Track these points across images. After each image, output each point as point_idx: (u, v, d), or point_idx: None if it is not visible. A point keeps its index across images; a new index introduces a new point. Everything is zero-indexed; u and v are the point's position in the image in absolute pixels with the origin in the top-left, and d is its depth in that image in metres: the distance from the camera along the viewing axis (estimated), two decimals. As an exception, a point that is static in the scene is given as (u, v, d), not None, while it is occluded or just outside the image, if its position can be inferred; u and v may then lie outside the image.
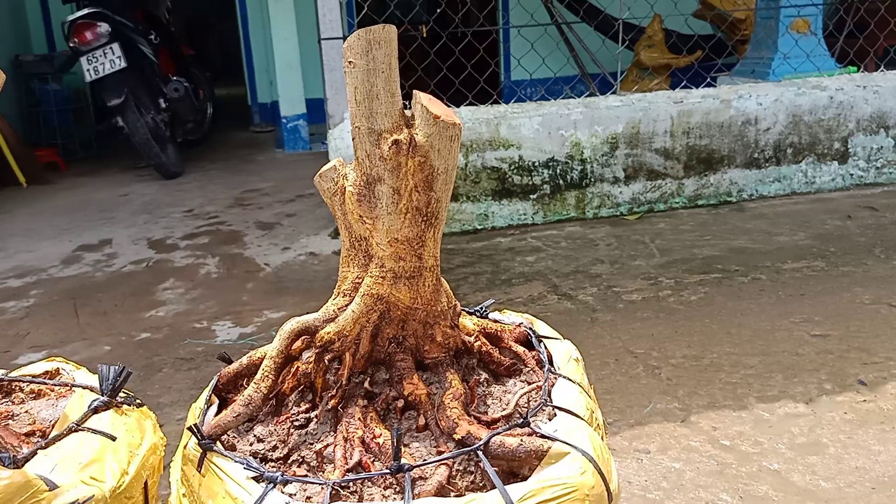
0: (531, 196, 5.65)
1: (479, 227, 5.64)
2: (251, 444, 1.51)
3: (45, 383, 1.60)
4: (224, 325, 4.20)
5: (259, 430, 1.54)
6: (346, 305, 1.51)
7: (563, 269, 4.82)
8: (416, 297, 1.50)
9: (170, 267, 5.20)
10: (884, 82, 5.92)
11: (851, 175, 6.03)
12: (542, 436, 1.42)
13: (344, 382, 1.48)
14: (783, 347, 3.61)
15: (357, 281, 1.52)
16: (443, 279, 1.59)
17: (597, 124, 5.55)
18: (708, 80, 6.43)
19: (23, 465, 1.25)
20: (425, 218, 1.47)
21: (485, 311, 1.88)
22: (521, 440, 1.40)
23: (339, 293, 1.54)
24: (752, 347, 3.63)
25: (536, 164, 5.59)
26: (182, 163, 8.11)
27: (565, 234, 5.46)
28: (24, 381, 1.62)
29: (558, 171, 5.62)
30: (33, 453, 1.31)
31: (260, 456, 1.48)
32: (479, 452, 1.38)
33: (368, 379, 1.51)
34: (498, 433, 1.41)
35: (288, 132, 9.05)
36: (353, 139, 1.47)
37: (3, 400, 1.60)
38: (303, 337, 1.55)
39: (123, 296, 4.67)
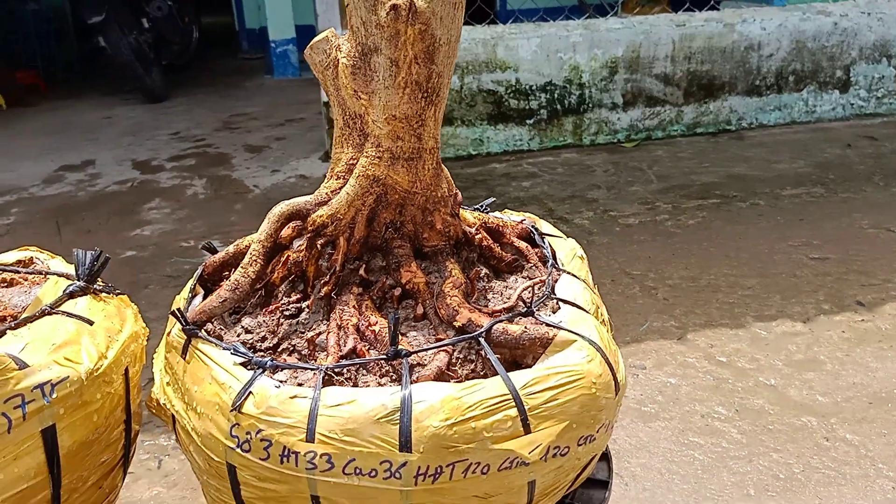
0: (527, 121, 5.51)
1: (474, 153, 5.52)
2: (238, 336, 1.43)
3: (18, 271, 1.51)
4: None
5: (247, 321, 1.45)
6: (340, 188, 1.41)
7: (559, 194, 4.73)
8: (415, 181, 1.40)
9: (155, 187, 5.07)
10: (888, 10, 5.75)
11: (852, 104, 5.91)
12: (547, 325, 1.35)
13: (338, 269, 1.40)
14: (781, 269, 3.56)
15: (351, 162, 1.42)
16: (443, 166, 1.50)
17: (596, 47, 5.38)
18: (711, 3, 6.23)
19: (-8, 343, 1.16)
20: (426, 94, 1.36)
21: (485, 209, 1.79)
22: (525, 327, 1.32)
23: (331, 176, 1.44)
24: (750, 269, 3.57)
25: (534, 87, 5.43)
26: (168, 87, 7.88)
27: (561, 161, 5.35)
28: (-4, 270, 1.53)
29: (556, 95, 5.48)
30: (1, 333, 1.23)
31: (248, 346, 1.40)
32: (481, 339, 1.30)
33: (364, 266, 1.42)
34: (500, 321, 1.34)
35: (277, 57, 8.80)
36: (346, 6, 1.35)
37: (-25, 289, 1.51)
38: (293, 223, 1.46)
39: (108, 215, 4.55)
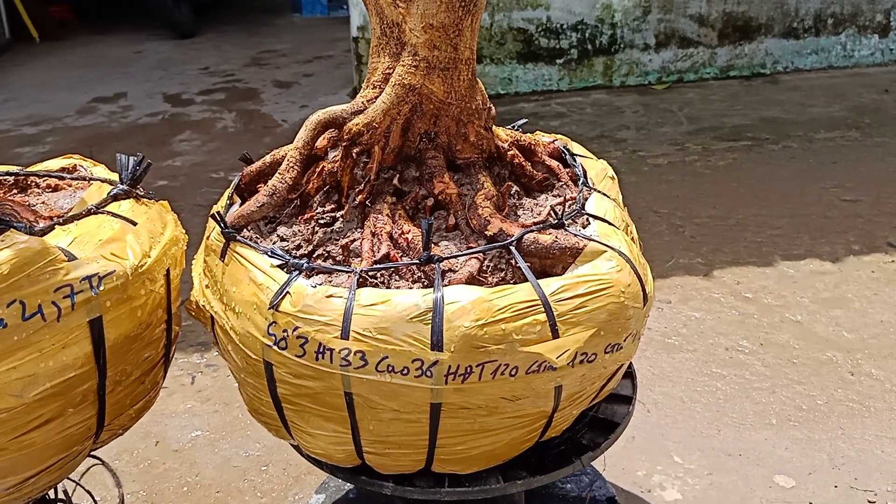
0: (557, 61, 5.44)
1: (503, 92, 5.47)
2: (274, 244, 1.46)
3: (63, 177, 1.55)
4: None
5: (282, 230, 1.48)
6: (376, 97, 1.43)
7: (587, 133, 4.70)
8: (450, 91, 1.41)
9: (186, 120, 5.11)
10: (939, -50, 5.56)
11: (892, 50, 5.76)
12: (577, 236, 1.36)
13: (372, 177, 1.42)
14: (812, 210, 3.53)
15: (388, 71, 1.43)
16: (478, 79, 1.50)
17: (630, -16, 5.27)
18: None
19: (40, 237, 1.20)
20: (463, 3, 1.35)
21: (518, 129, 1.79)
22: (556, 237, 1.34)
23: (368, 85, 1.45)
24: (780, 210, 3.56)
25: (565, 26, 5.35)
26: (196, 23, 7.86)
27: (591, 101, 5.30)
28: (39, 176, 1.57)
29: (587, 34, 5.39)
30: (50, 227, 1.27)
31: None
32: (512, 248, 1.33)
33: (398, 176, 1.44)
34: (531, 231, 1.36)
35: (306, -6, 8.71)
36: (386, -88, 1.35)
37: (20, 194, 1.55)
38: (329, 133, 1.48)
39: (140, 145, 4.61)
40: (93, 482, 1.93)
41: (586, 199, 1.56)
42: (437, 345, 1.21)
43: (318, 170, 1.50)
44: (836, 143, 4.33)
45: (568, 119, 4.97)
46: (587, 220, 1.48)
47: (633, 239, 1.53)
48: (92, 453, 1.47)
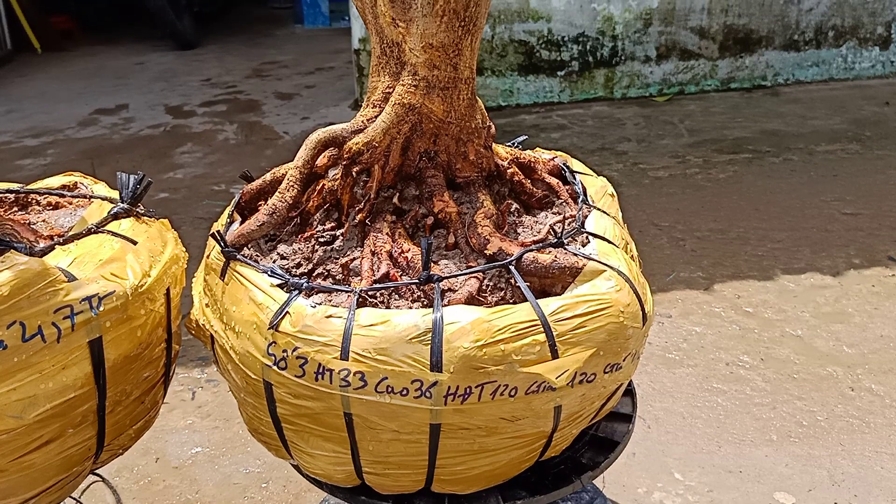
0: (559, 73, 5.46)
1: (504, 104, 5.49)
2: (274, 262, 1.47)
3: (63, 195, 1.55)
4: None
5: (282, 248, 1.49)
6: (376, 116, 1.43)
7: (588, 146, 4.71)
8: (450, 110, 1.42)
9: (187, 132, 5.12)
10: (938, -38, 5.58)
11: (892, 62, 5.77)
12: (577, 255, 1.36)
13: (372, 196, 1.42)
14: (812, 224, 3.54)
15: (388, 91, 1.43)
16: (478, 97, 1.51)
17: (631, -3, 5.29)
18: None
19: (40, 257, 1.21)
20: (463, 23, 1.36)
21: (517, 145, 1.80)
22: (556, 256, 1.34)
23: (368, 104, 1.46)
24: (781, 223, 3.56)
25: (566, 38, 5.37)
26: (198, 34, 7.89)
27: (592, 113, 5.31)
28: (40, 194, 1.57)
29: (588, 47, 5.41)
30: (51, 248, 1.27)
31: (283, 271, 1.43)
32: (511, 267, 1.33)
33: (398, 194, 1.45)
34: (531, 250, 1.36)
35: (307, 6, 8.74)
36: (386, -67, 1.35)
37: (20, 212, 1.56)
38: (329, 152, 1.48)
39: (141, 157, 4.63)
40: (93, 499, 1.93)
41: (586, 216, 1.56)
42: (436, 365, 1.21)
43: (318, 188, 1.50)
44: (836, 156, 4.33)
45: (569, 131, 4.98)
46: (587, 238, 1.48)
47: (632, 257, 1.54)
48: (92, 471, 1.47)
